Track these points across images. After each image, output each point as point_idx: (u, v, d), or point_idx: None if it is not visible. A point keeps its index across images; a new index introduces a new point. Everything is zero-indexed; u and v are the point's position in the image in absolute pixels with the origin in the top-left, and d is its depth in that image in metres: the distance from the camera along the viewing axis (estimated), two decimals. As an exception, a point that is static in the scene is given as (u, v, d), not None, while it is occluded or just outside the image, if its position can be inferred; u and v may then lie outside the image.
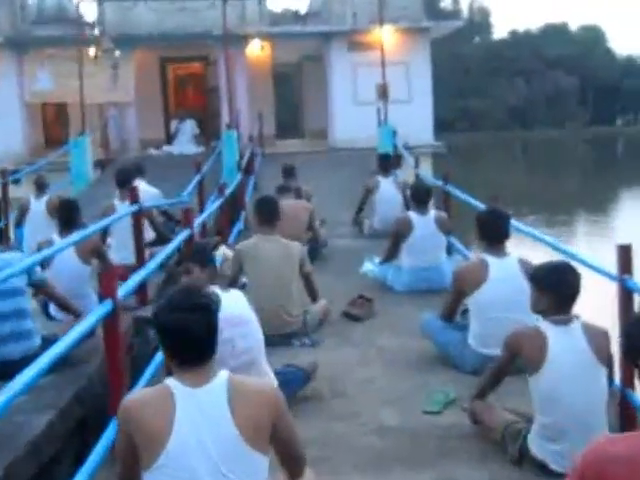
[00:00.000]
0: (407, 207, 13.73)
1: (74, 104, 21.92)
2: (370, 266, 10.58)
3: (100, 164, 21.28)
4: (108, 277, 4.91)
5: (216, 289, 5.48)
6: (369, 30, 23.96)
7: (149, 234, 10.49)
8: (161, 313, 3.52)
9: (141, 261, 8.70)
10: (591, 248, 21.17)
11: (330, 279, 10.33)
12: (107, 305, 4.74)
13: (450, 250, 10.54)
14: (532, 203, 34.67)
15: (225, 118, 22.69)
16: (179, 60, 27.64)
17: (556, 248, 6.66)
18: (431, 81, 24.63)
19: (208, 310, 3.51)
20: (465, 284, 6.59)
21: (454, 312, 6.91)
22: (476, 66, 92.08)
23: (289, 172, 14.08)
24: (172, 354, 3.52)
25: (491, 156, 64.58)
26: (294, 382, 6.09)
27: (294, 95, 32.92)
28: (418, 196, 9.84)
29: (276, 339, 7.36)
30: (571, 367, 4.81)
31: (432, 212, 9.83)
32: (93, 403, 6.02)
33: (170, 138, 24.83)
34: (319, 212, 13.99)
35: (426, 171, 18.66)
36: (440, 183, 12.35)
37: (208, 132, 25.46)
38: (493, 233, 6.66)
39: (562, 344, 4.84)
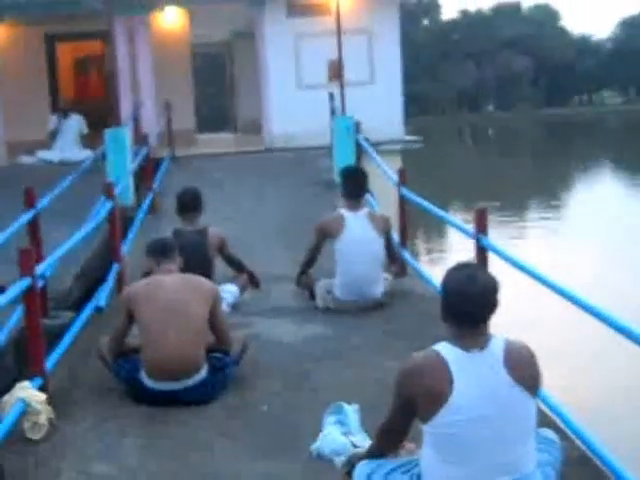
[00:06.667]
0: (391, 257, 8.31)
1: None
2: (340, 437, 4.97)
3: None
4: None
5: None
6: (317, -12, 17.93)
7: None
8: None
9: None
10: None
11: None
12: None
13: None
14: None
15: (126, 111, 16.89)
16: (73, 38, 21.45)
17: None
18: (401, 56, 18.70)
19: None
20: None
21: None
22: (425, 49, 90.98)
23: (188, 205, 8.39)
24: None
25: (443, 143, 61.03)
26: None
27: (225, 80, 27.05)
28: (461, 311, 3.90)
29: None
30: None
31: (496, 342, 3.90)
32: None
33: (51, 139, 18.37)
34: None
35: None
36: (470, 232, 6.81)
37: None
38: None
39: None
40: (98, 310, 8.28)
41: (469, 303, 3.85)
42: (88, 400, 6.16)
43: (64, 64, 22.03)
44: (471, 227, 6.87)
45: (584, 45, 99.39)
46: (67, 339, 7.03)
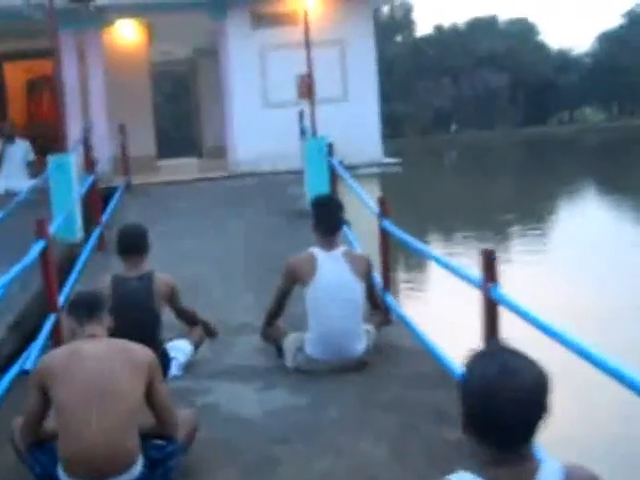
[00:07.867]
0: (373, 304, 6.98)
1: None
2: None
3: None
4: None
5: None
6: (283, -5, 16.53)
7: None
8: None
9: None
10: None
11: None
12: None
13: None
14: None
15: (75, 136, 15.44)
16: (23, 57, 19.94)
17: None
18: (376, 70, 17.17)
19: None
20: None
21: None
22: (399, 67, 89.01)
23: (129, 246, 7.04)
24: None
25: (420, 165, 59.99)
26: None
27: (189, 101, 25.58)
28: (492, 424, 2.50)
29: None
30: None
31: (549, 474, 2.48)
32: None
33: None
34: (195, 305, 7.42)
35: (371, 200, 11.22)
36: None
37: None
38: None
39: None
40: (25, 373, 6.89)
41: (505, 410, 2.45)
42: (-5, 502, 4.81)
43: (14, 85, 20.55)
44: (477, 273, 5.35)
45: (563, 60, 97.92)
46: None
